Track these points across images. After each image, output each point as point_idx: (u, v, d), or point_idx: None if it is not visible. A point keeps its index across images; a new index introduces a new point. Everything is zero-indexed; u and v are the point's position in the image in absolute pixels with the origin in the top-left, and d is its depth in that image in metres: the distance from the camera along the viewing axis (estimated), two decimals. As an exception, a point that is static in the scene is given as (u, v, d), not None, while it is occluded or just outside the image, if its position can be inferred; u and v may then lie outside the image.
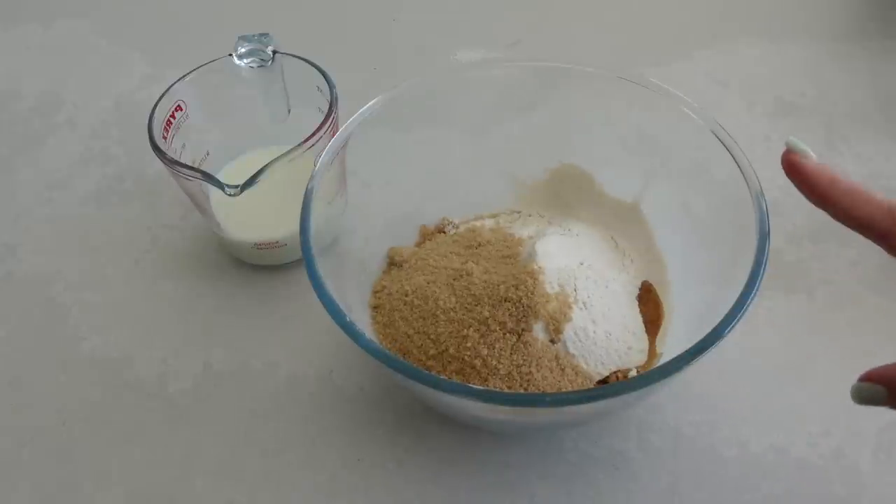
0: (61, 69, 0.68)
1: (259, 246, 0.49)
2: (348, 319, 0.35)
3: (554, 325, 0.40)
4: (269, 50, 0.48)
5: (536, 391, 0.39)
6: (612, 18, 0.70)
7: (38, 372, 0.47)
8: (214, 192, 0.45)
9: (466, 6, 0.72)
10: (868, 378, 0.27)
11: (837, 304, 0.47)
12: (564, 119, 0.47)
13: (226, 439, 0.43)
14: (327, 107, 0.46)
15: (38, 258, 0.53)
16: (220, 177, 0.43)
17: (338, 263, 0.41)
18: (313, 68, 0.48)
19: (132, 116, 0.62)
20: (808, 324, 0.46)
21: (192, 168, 0.44)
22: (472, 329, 0.40)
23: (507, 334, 0.40)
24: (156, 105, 0.47)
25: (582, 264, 0.43)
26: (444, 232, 0.49)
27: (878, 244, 0.25)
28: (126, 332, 0.48)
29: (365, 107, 0.44)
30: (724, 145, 0.40)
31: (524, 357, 0.40)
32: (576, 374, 0.40)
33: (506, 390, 0.39)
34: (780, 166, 0.55)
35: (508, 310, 0.40)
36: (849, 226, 0.26)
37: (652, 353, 0.43)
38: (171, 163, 0.44)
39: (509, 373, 0.40)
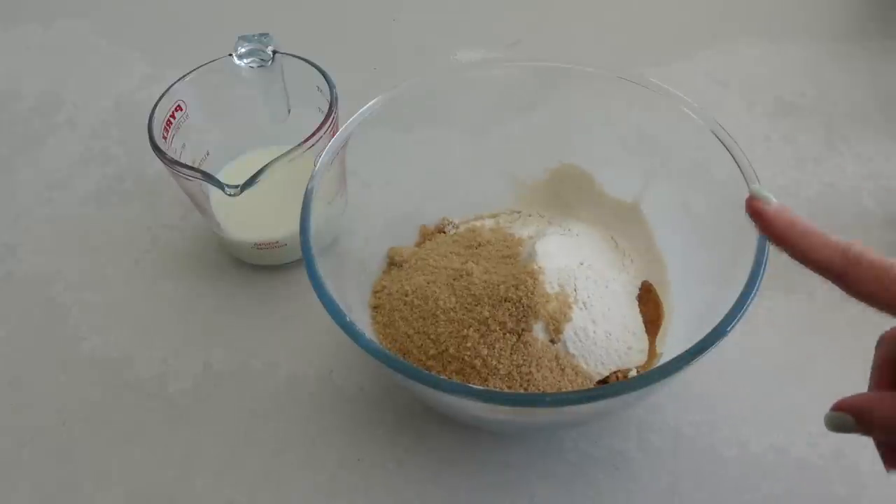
0: (61, 69, 0.68)
1: (259, 246, 0.49)
2: (348, 319, 0.35)
3: (554, 325, 0.40)
4: (269, 50, 0.48)
5: (536, 391, 0.39)
6: (612, 18, 0.70)
7: (38, 372, 0.47)
8: (214, 192, 0.45)
9: (466, 6, 0.72)
10: (838, 408, 0.28)
11: (837, 304, 0.47)
12: (564, 119, 0.47)
13: (226, 439, 0.43)
14: (327, 107, 0.46)
15: (38, 258, 0.53)
16: (220, 177, 0.43)
17: (338, 263, 0.41)
18: (313, 68, 0.48)
19: (132, 116, 0.62)
20: (808, 324, 0.46)
21: (192, 168, 0.44)
22: (472, 329, 0.40)
23: (507, 334, 0.40)
24: (156, 105, 0.47)
25: (582, 264, 0.43)
26: (444, 232, 0.49)
27: (836, 284, 0.26)
28: (126, 332, 0.48)
29: (365, 107, 0.44)
30: (724, 145, 0.40)
31: (524, 357, 0.40)
32: (576, 374, 0.40)
33: (506, 390, 0.39)
34: (780, 166, 0.55)
35: (508, 310, 0.40)
36: (808, 267, 0.28)
37: (652, 353, 0.43)
38: (171, 163, 0.44)
39: (509, 373, 0.40)
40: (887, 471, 0.29)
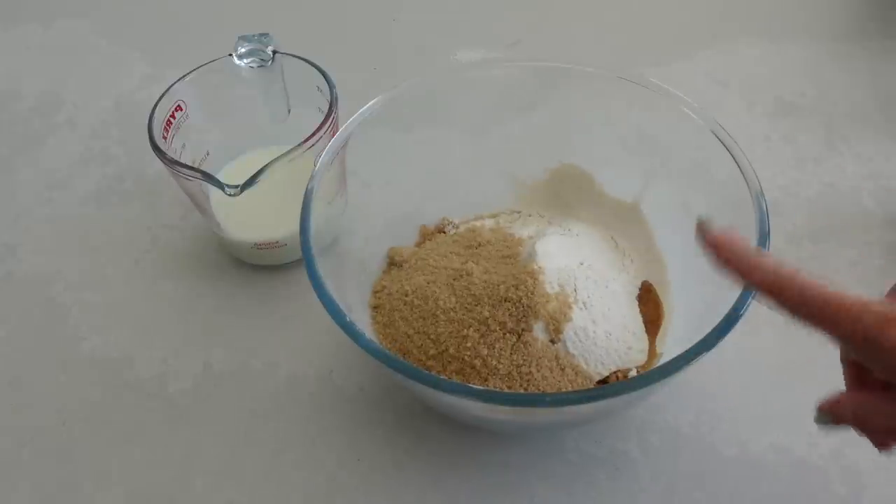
0: (61, 69, 0.68)
1: (259, 246, 0.49)
2: (348, 319, 0.35)
3: (554, 325, 0.40)
4: (269, 50, 0.48)
5: (536, 391, 0.39)
6: (612, 18, 0.70)
7: (38, 372, 0.47)
8: (214, 192, 0.45)
9: (466, 6, 0.72)
10: (820, 408, 0.31)
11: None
12: (564, 119, 0.47)
13: (226, 439, 0.43)
14: (327, 107, 0.46)
15: (38, 258, 0.53)
16: (220, 177, 0.43)
17: (338, 263, 0.41)
18: (313, 68, 0.48)
19: (132, 116, 0.62)
20: (809, 324, 0.46)
21: (192, 168, 0.44)
22: (472, 329, 0.40)
23: (507, 334, 0.40)
24: (156, 105, 0.47)
25: (582, 264, 0.43)
26: (444, 232, 0.49)
27: (770, 301, 0.29)
28: (126, 332, 0.48)
29: (365, 107, 0.44)
30: (724, 145, 0.40)
31: (524, 357, 0.40)
32: (576, 374, 0.40)
33: (506, 390, 0.39)
34: (780, 166, 0.55)
35: (508, 310, 0.40)
36: (747, 287, 0.31)
37: (652, 353, 0.43)
38: (171, 163, 0.44)
39: (509, 373, 0.40)
40: (880, 452, 0.31)
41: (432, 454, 0.42)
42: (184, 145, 0.48)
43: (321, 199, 0.40)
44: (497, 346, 0.40)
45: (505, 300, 0.40)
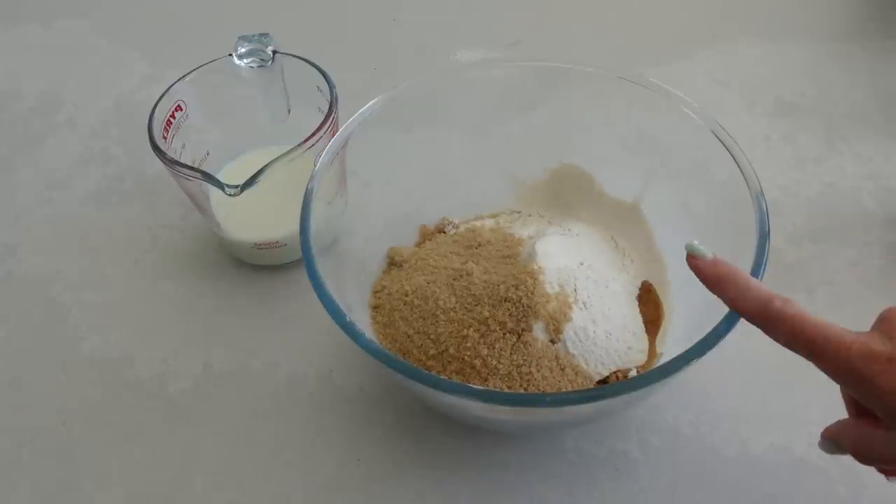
0: (61, 69, 0.68)
1: (259, 246, 0.49)
2: (348, 319, 0.35)
3: (554, 325, 0.40)
4: (269, 50, 0.48)
5: (536, 391, 0.39)
6: (612, 18, 0.70)
7: (38, 372, 0.47)
8: (214, 192, 0.45)
9: (466, 6, 0.72)
10: (824, 434, 0.32)
11: (837, 304, 0.47)
12: (564, 119, 0.47)
13: (226, 439, 0.43)
14: (327, 107, 0.46)
15: (38, 258, 0.53)
16: (220, 177, 0.43)
17: (338, 263, 0.41)
18: (313, 68, 0.48)
19: (132, 116, 0.62)
20: (809, 324, 0.46)
21: (192, 168, 0.44)
22: (472, 329, 0.40)
23: (507, 334, 0.40)
24: (156, 105, 0.47)
25: (582, 264, 0.43)
26: (444, 232, 0.49)
27: (761, 328, 0.31)
28: (126, 332, 0.48)
29: (365, 107, 0.44)
30: (724, 145, 0.40)
31: (524, 357, 0.40)
32: (576, 374, 0.40)
33: (506, 390, 0.39)
34: (780, 166, 0.55)
35: (508, 310, 0.40)
36: (740, 313, 0.32)
37: (652, 353, 0.43)
38: (171, 163, 0.44)
39: (509, 373, 0.40)
40: (889, 480, 0.32)
41: (432, 454, 0.42)
42: (184, 145, 0.48)
43: (321, 199, 0.40)
44: (497, 346, 0.40)
45: (505, 300, 0.40)
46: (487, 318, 0.40)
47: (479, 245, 0.45)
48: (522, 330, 0.40)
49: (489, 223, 0.49)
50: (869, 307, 0.47)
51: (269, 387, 0.45)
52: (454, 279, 0.43)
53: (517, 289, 0.40)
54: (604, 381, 0.41)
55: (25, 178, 0.59)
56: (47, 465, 0.43)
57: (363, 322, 0.42)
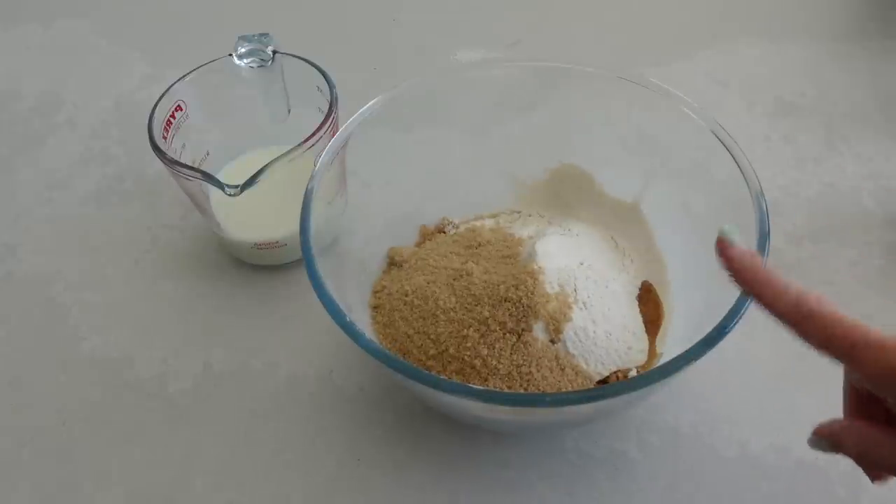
0: (61, 69, 0.68)
1: (259, 246, 0.49)
2: (348, 319, 0.35)
3: (554, 325, 0.40)
4: (269, 50, 0.48)
5: (536, 391, 0.39)
6: (612, 18, 0.70)
7: (38, 372, 0.47)
8: (214, 192, 0.45)
9: (466, 6, 0.72)
10: (816, 433, 0.31)
11: (837, 303, 0.47)
12: (564, 119, 0.47)
13: (226, 439, 0.43)
14: (327, 107, 0.46)
15: (38, 258, 0.53)
16: (220, 177, 0.43)
17: (338, 263, 0.41)
18: (313, 68, 0.48)
19: (132, 116, 0.62)
20: (808, 324, 0.46)
21: (192, 168, 0.44)
22: (472, 329, 0.40)
23: (507, 334, 0.40)
24: (156, 105, 0.47)
25: (582, 264, 0.43)
26: (444, 232, 0.49)
27: (790, 328, 0.29)
28: (126, 332, 0.48)
29: (365, 107, 0.44)
30: (724, 145, 0.40)
31: (524, 357, 0.40)
32: (576, 374, 0.40)
33: (506, 390, 0.39)
34: (780, 166, 0.55)
35: (508, 310, 0.40)
36: (763, 310, 0.30)
37: (652, 353, 0.43)
38: (171, 163, 0.44)
39: (509, 373, 0.40)
40: (873, 483, 0.32)
41: (432, 454, 0.42)
42: (184, 145, 0.48)
43: (321, 199, 0.40)
44: (497, 346, 0.40)
45: (505, 300, 0.40)
46: (487, 318, 0.40)
47: (479, 245, 0.45)
48: (522, 330, 0.40)
49: (489, 223, 0.49)
50: (869, 307, 0.47)
51: (269, 387, 0.45)
52: (454, 279, 0.43)
53: (517, 289, 0.40)
54: (604, 381, 0.41)
55: (25, 178, 0.59)
56: (47, 465, 0.43)
57: (363, 322, 0.42)
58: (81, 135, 0.62)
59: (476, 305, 0.41)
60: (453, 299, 0.41)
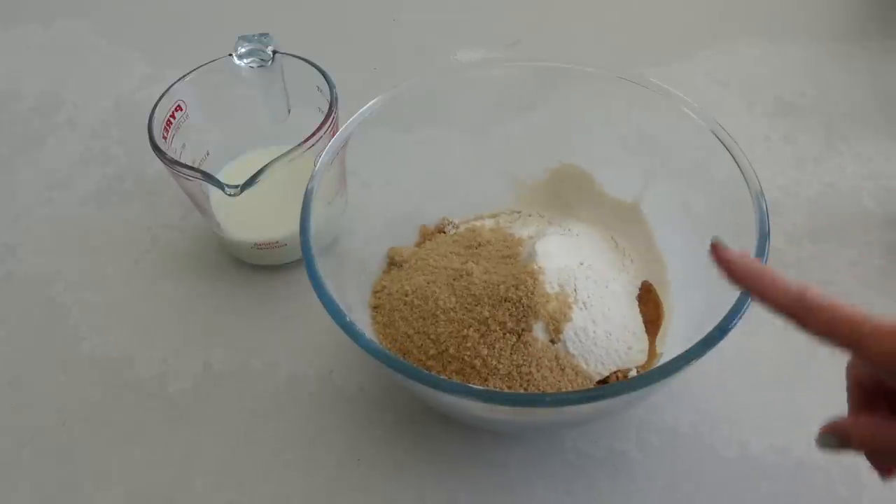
0: (61, 69, 0.68)
1: (259, 246, 0.49)
2: (348, 319, 0.35)
3: (554, 325, 0.40)
4: (269, 50, 0.48)
5: (536, 391, 0.39)
6: (612, 18, 0.70)
7: (38, 372, 0.47)
8: (214, 192, 0.45)
9: (466, 6, 0.72)
10: (824, 430, 0.31)
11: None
12: (564, 119, 0.47)
13: (226, 439, 0.43)
14: (327, 107, 0.46)
15: (38, 258, 0.53)
16: (220, 177, 0.43)
17: (338, 263, 0.41)
18: (313, 68, 0.48)
19: (132, 116, 0.62)
20: (808, 324, 0.46)
21: (192, 168, 0.44)
22: (472, 329, 0.40)
23: (507, 334, 0.40)
24: (156, 105, 0.47)
25: (582, 264, 0.43)
26: (444, 232, 0.49)
27: (792, 321, 0.29)
28: (126, 332, 0.48)
29: (365, 107, 0.44)
30: (724, 145, 0.40)
31: (524, 357, 0.40)
32: (576, 374, 0.40)
33: (506, 390, 0.39)
34: (780, 166, 0.55)
35: (508, 310, 0.40)
36: (766, 307, 0.30)
37: (652, 353, 0.43)
38: (171, 163, 0.44)
39: (509, 373, 0.40)
40: (882, 480, 0.32)
41: (432, 454, 0.42)
42: (184, 145, 0.48)
43: (321, 199, 0.40)
44: (497, 346, 0.40)
45: (505, 300, 0.40)
46: (487, 318, 0.40)
47: (479, 245, 0.45)
48: (522, 330, 0.40)
49: (489, 223, 0.49)
50: (869, 307, 0.47)
51: (269, 387, 0.45)
52: (454, 279, 0.43)
53: (517, 289, 0.40)
54: (604, 381, 0.41)
55: (25, 178, 0.59)
56: (47, 465, 0.43)
57: (363, 322, 0.42)
58: (81, 135, 0.62)
59: (476, 305, 0.41)
60: (453, 299, 0.41)
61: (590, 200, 0.49)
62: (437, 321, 0.41)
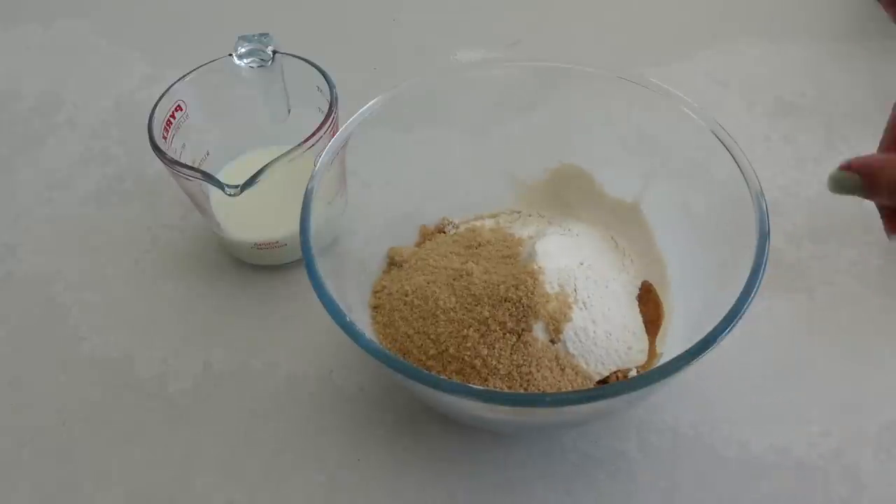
0: (61, 69, 0.68)
1: (259, 246, 0.49)
2: (348, 319, 0.35)
3: (554, 325, 0.40)
4: (269, 50, 0.48)
5: (536, 391, 0.39)
6: (612, 18, 0.70)
7: (38, 372, 0.47)
8: (214, 192, 0.45)
9: (466, 6, 0.72)
10: (846, 167, 0.26)
11: (837, 304, 0.47)
12: (564, 119, 0.47)
13: (226, 439, 0.43)
14: (327, 107, 0.46)
15: (38, 258, 0.53)
16: (220, 177, 0.43)
17: (338, 263, 0.41)
18: (313, 68, 0.48)
19: (132, 116, 0.62)
20: (808, 324, 0.46)
21: (192, 168, 0.44)
22: (472, 329, 0.40)
23: (507, 334, 0.40)
24: (156, 105, 0.47)
25: (582, 264, 0.43)
26: (444, 232, 0.49)
27: None
28: (126, 332, 0.48)
29: (365, 107, 0.43)
30: (724, 145, 0.40)
31: (524, 357, 0.40)
32: (576, 374, 0.40)
33: (506, 390, 0.39)
34: (780, 166, 0.55)
35: (508, 310, 0.40)
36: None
37: (652, 353, 0.43)
38: (171, 163, 0.44)
39: (509, 373, 0.40)
40: (888, 237, 0.28)
41: (432, 454, 0.42)
42: (184, 145, 0.48)
43: (321, 199, 0.40)
44: (497, 346, 0.40)
45: (505, 300, 0.40)
46: (487, 318, 0.40)
47: (479, 245, 0.45)
48: (522, 330, 0.40)
49: (489, 223, 0.49)
50: (869, 307, 0.47)
51: (269, 387, 0.45)
52: (454, 279, 0.43)
53: (517, 289, 0.40)
54: (604, 381, 0.41)
55: (25, 178, 0.59)
56: (47, 465, 0.43)
57: (363, 322, 0.42)
58: (81, 135, 0.62)
59: (476, 305, 0.41)
60: (453, 299, 0.41)
61: (590, 200, 0.49)
62: (437, 321, 0.41)
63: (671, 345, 0.42)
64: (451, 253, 0.45)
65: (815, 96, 0.61)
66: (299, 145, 0.44)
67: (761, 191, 0.38)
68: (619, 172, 0.47)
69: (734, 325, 0.33)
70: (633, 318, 0.44)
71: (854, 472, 0.40)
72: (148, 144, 0.45)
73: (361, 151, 0.44)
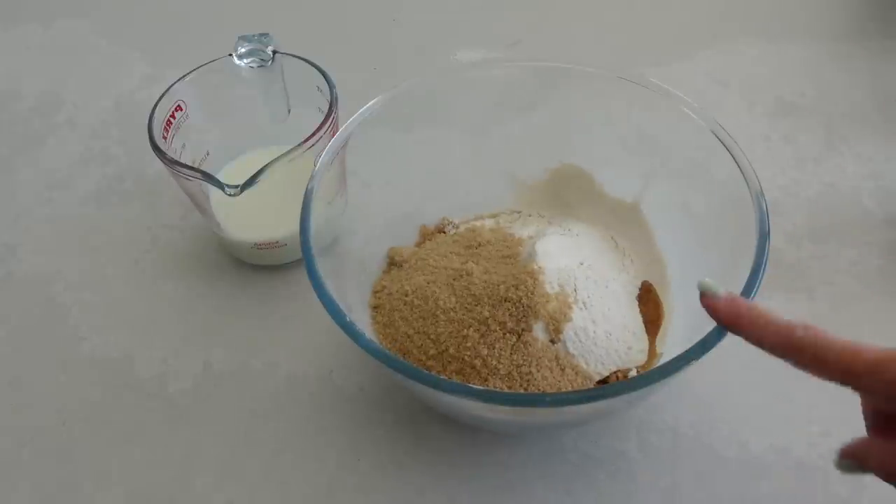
0: (61, 69, 0.68)
1: (259, 246, 0.49)
2: (348, 319, 0.35)
3: (554, 325, 0.40)
4: (269, 50, 0.48)
5: (536, 391, 0.39)
6: (612, 18, 0.70)
7: (38, 372, 0.47)
8: (214, 192, 0.45)
9: (466, 6, 0.72)
10: (842, 454, 0.31)
11: (837, 304, 0.47)
12: (564, 119, 0.47)
13: (226, 439, 0.43)
14: (327, 107, 0.46)
15: (38, 258, 0.53)
16: (220, 177, 0.43)
17: (338, 263, 0.41)
18: (313, 68, 0.48)
19: (132, 116, 0.62)
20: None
21: (192, 168, 0.44)
22: (472, 329, 0.40)
23: (507, 334, 0.40)
24: (156, 105, 0.47)
25: (582, 264, 0.43)
26: (444, 232, 0.49)
27: (786, 361, 0.30)
28: (126, 332, 0.48)
29: (365, 107, 0.44)
30: (724, 145, 0.40)
31: (524, 357, 0.40)
32: (576, 374, 0.40)
33: (506, 390, 0.39)
34: (780, 166, 0.56)
35: (508, 310, 0.40)
36: (763, 349, 0.31)
37: (652, 353, 0.43)
38: (171, 163, 0.44)
39: (509, 373, 0.40)
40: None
41: (432, 454, 0.42)
42: (184, 145, 0.48)
43: (321, 199, 0.40)
44: (497, 346, 0.40)
45: (505, 300, 0.40)
46: (487, 318, 0.40)
47: (479, 245, 0.45)
48: (522, 330, 0.40)
49: (489, 223, 0.49)
50: (869, 307, 0.47)
51: (269, 387, 0.45)
52: (454, 279, 0.43)
53: (517, 289, 0.40)
54: (604, 381, 0.41)
55: (25, 178, 0.59)
56: (47, 465, 0.43)
57: (363, 322, 0.42)
58: (81, 135, 0.62)
59: (476, 305, 0.41)
60: (453, 299, 0.41)
61: (590, 200, 0.49)
62: (437, 321, 0.41)
63: (671, 345, 0.42)
64: (451, 253, 0.45)
65: (815, 96, 0.61)
66: (299, 145, 0.44)
67: (761, 191, 0.38)
68: (619, 172, 0.47)
69: (734, 326, 0.33)
70: (633, 318, 0.44)
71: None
72: (148, 144, 0.45)
73: (361, 151, 0.44)
